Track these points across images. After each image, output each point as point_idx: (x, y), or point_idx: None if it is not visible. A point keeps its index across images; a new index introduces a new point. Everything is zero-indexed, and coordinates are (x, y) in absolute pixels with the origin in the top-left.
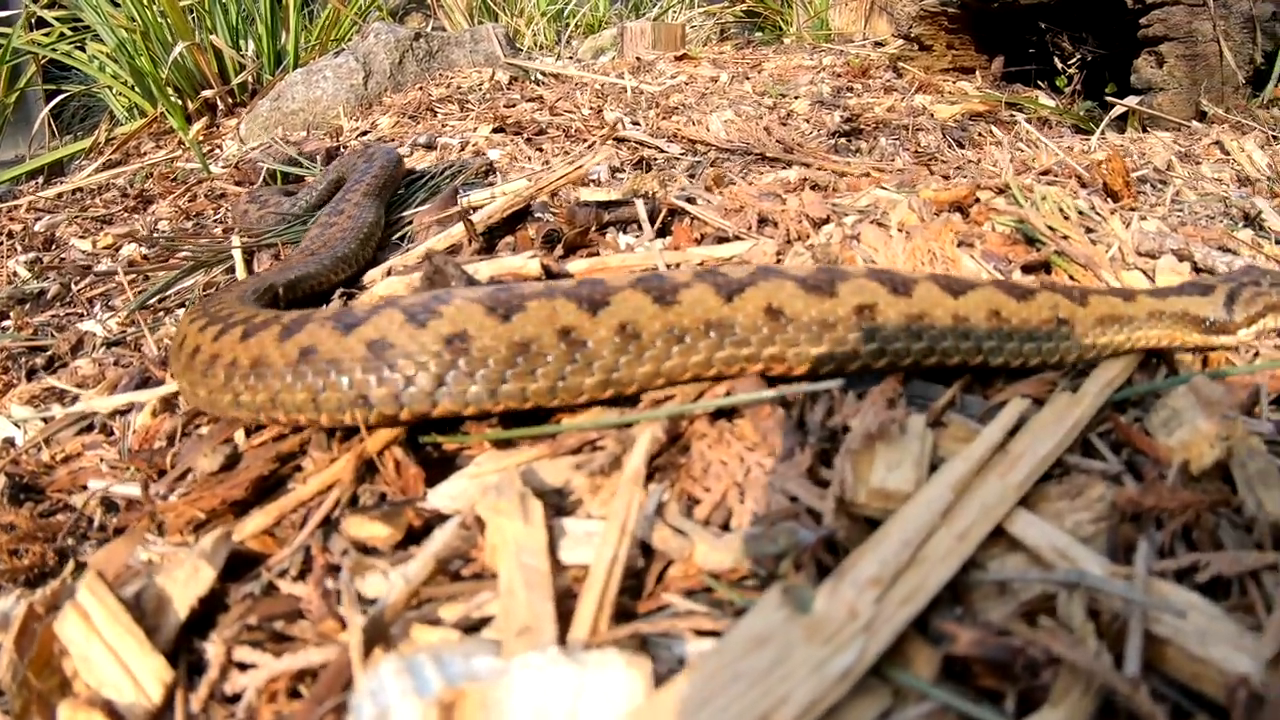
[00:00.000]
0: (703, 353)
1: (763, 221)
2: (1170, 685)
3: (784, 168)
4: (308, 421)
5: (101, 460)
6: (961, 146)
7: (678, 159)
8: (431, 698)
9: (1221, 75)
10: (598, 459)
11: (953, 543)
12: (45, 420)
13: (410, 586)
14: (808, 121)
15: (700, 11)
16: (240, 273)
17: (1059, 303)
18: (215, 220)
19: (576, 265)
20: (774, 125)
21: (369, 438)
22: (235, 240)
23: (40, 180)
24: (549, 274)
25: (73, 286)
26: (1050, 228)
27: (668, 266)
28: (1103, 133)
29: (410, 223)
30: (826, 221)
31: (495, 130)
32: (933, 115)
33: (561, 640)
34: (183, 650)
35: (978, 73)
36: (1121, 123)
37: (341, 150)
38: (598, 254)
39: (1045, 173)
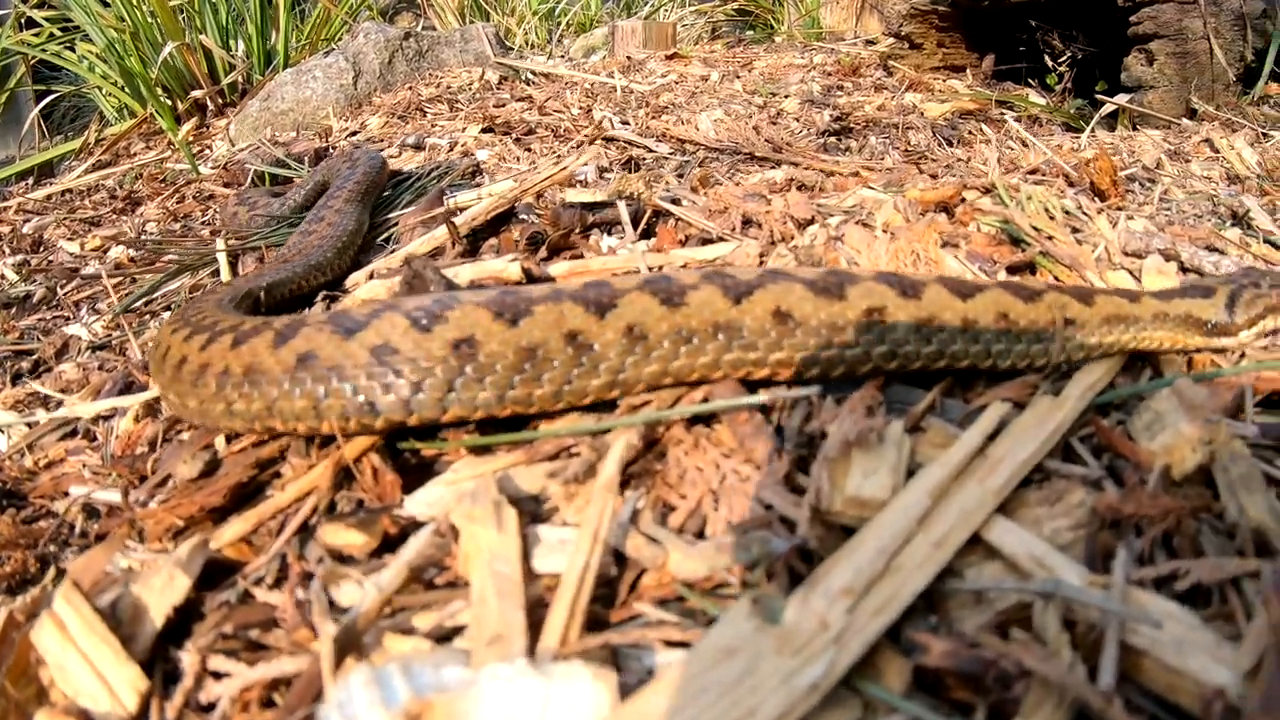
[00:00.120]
0: (710, 354)
1: (747, 222)
2: (1146, 697)
3: (772, 167)
4: (307, 430)
5: (84, 466)
6: (951, 145)
7: (666, 159)
8: (399, 709)
9: (1212, 73)
10: (572, 466)
11: (929, 551)
12: (29, 425)
13: (383, 595)
14: (798, 120)
15: (692, 10)
16: (225, 276)
17: (1066, 303)
18: (203, 222)
19: (558, 268)
20: (763, 124)
21: (346, 445)
22: (220, 243)
23: (30, 181)
24: (529, 277)
25: (59, 290)
26: (1035, 228)
27: (649, 269)
28: (1093, 131)
29: (396, 224)
30: (811, 222)
31: (484, 130)
32: (923, 114)
33: (532, 650)
34: (159, 659)
35: (968, 71)
36: (1112, 120)
37: (330, 151)
38: (582, 256)
39: (1033, 172)
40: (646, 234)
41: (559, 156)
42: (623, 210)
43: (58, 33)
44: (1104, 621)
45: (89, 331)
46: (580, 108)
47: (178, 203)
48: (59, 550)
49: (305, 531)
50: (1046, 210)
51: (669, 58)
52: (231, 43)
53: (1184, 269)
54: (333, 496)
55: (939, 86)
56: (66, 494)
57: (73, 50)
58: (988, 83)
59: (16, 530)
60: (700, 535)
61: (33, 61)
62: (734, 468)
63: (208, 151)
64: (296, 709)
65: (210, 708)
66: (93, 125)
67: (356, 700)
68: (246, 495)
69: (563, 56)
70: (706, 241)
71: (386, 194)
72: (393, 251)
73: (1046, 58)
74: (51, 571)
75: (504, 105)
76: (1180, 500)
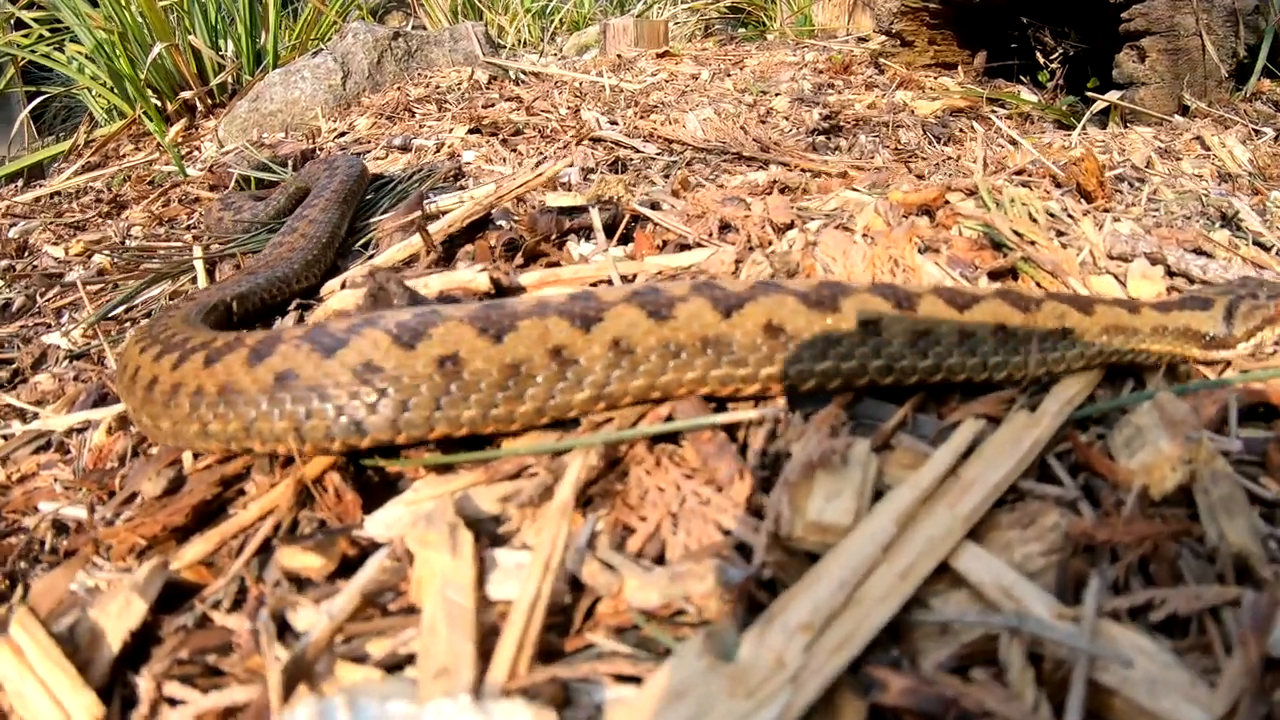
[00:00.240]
0: (699, 370)
1: (725, 227)
2: None
3: (759, 168)
4: (288, 451)
5: (56, 480)
6: (942, 143)
7: (653, 159)
8: None
9: (1204, 69)
10: (527, 490)
11: (893, 581)
12: (4, 438)
13: (334, 623)
14: (787, 119)
15: (684, 8)
16: (202, 283)
17: (1065, 312)
18: (187, 226)
19: (530, 277)
20: (751, 124)
21: (306, 464)
22: (197, 250)
23: (19, 184)
24: (499, 287)
25: (39, 298)
26: (1017, 232)
27: (623, 278)
28: (1084, 128)
29: (374, 230)
30: (790, 227)
31: (471, 131)
32: (914, 111)
33: (480, 682)
34: (116, 684)
35: (960, 68)
36: (1104, 117)
37: (317, 153)
38: (558, 264)
39: (1019, 172)
40: (625, 239)
41: (542, 158)
42: (595, 217)
43: (47, 34)
44: (1072, 658)
45: (68, 340)
46: (568, 108)
47: (163, 206)
48: (29, 567)
49: (267, 552)
50: (1030, 214)
51: (660, 56)
52: (221, 43)
53: (1171, 273)
54: (295, 516)
55: (930, 84)
56: (37, 509)
57: (62, 51)
58: (979, 80)
59: None
60: (659, 560)
61: (22, 63)
62: (695, 489)
63: (197, 153)
64: None
65: None
66: (82, 126)
67: None
68: (210, 514)
69: (555, 54)
70: (684, 247)
71: (369, 197)
72: (370, 258)
73: (1038, 54)
74: (20, 589)
75: (492, 105)
76: (1158, 524)
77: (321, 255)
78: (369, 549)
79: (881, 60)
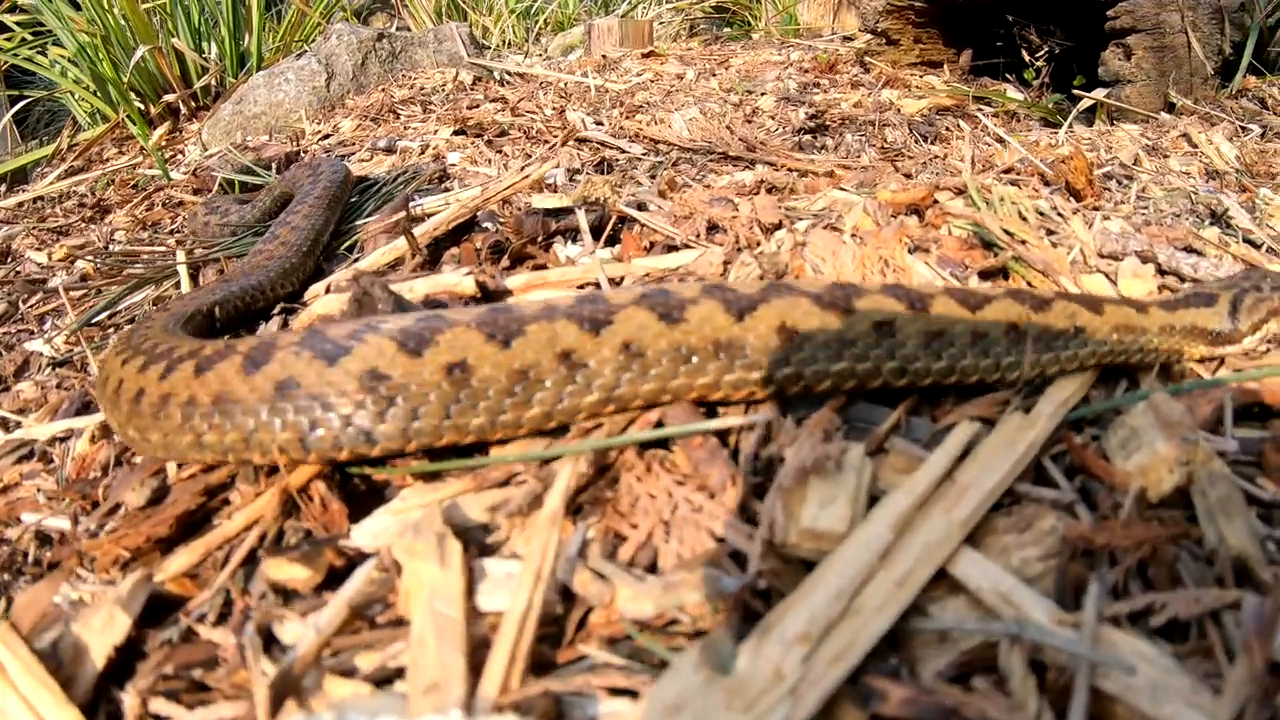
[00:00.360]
0: (711, 374)
1: (712, 228)
2: None
3: (746, 167)
4: (290, 462)
5: (39, 490)
6: (928, 141)
7: (639, 160)
8: None
9: (1190, 66)
10: (515, 499)
11: (891, 590)
12: None
13: (321, 637)
14: (773, 118)
15: (669, 7)
16: (185, 288)
17: (1075, 311)
18: (171, 230)
19: (517, 280)
20: (737, 123)
21: (290, 473)
22: (180, 255)
23: (2, 188)
24: (485, 291)
25: (21, 304)
26: (1007, 231)
27: (610, 280)
28: (1070, 126)
29: (360, 232)
30: (778, 227)
31: (456, 132)
32: (899, 110)
33: (471, 697)
34: (101, 700)
35: (945, 67)
36: (1090, 115)
37: (301, 155)
38: (544, 267)
39: (1008, 171)
40: (612, 241)
41: (528, 159)
42: (582, 219)
43: (29, 37)
44: (1073, 665)
45: (51, 347)
46: (554, 108)
47: (147, 210)
48: (12, 579)
49: (252, 563)
50: (1019, 212)
51: (645, 56)
52: (204, 45)
53: (1161, 271)
54: (280, 525)
55: (916, 83)
56: (20, 520)
57: (45, 55)
58: (965, 78)
59: None
60: (651, 569)
61: (4, 66)
62: (687, 496)
63: (180, 156)
64: None
65: None
66: (65, 130)
67: None
68: (194, 524)
69: (540, 55)
70: (671, 249)
71: (353, 199)
72: (354, 262)
73: (1024, 53)
74: (2, 603)
75: (477, 107)
76: (1156, 528)
77: (301, 263)
78: (356, 559)
79: (867, 59)
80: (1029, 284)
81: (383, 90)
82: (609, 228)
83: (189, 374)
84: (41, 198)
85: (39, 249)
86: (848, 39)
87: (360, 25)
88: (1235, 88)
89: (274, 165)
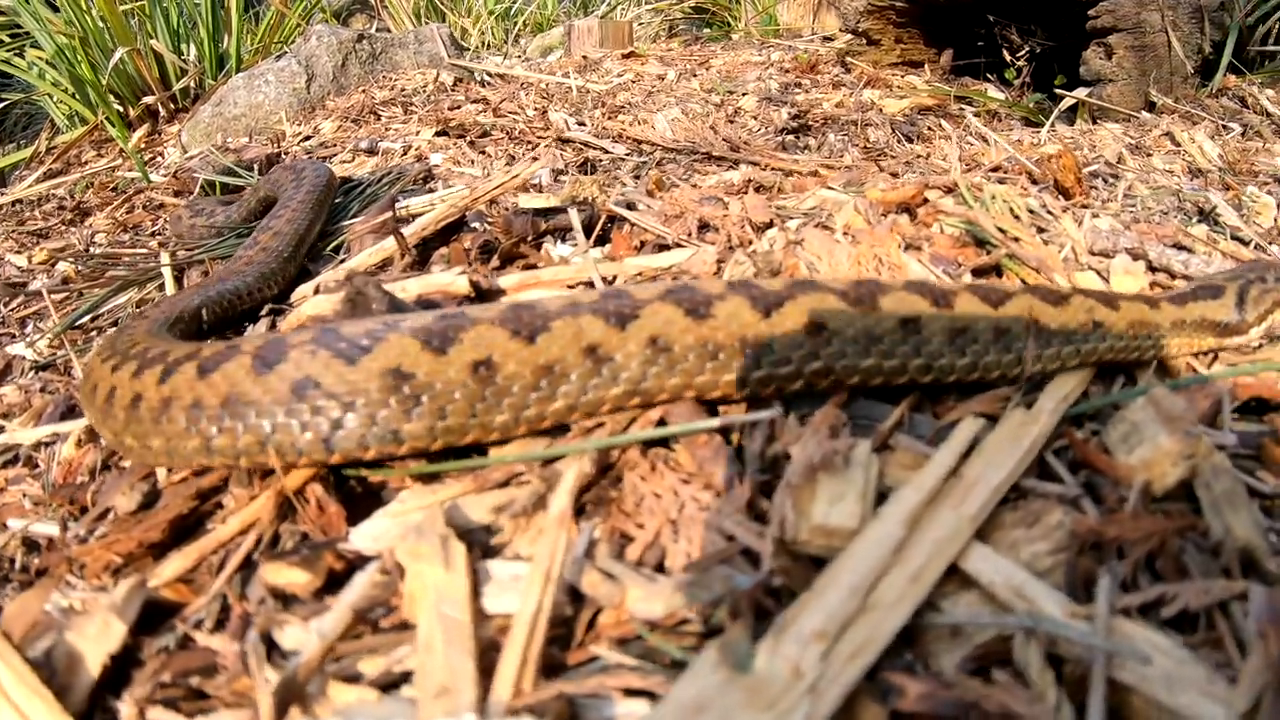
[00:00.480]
0: (735, 372)
1: (704, 227)
2: None
3: (730, 167)
4: (312, 463)
5: (25, 495)
6: (911, 141)
7: (623, 160)
8: None
9: (1170, 66)
10: (520, 499)
11: (905, 585)
12: None
13: (325, 642)
14: (755, 119)
15: (648, 8)
16: (170, 290)
17: (1093, 306)
18: (152, 233)
19: (509, 279)
20: (720, 123)
21: (286, 475)
22: (164, 257)
23: None
24: (479, 290)
25: (2, 308)
26: (1000, 229)
27: (604, 279)
28: (1052, 125)
29: (345, 233)
30: (770, 226)
31: (438, 133)
32: (881, 110)
33: (483, 701)
34: (97, 710)
35: (926, 66)
36: (1071, 115)
37: (282, 157)
38: (535, 266)
39: (995, 169)
40: (601, 240)
41: (513, 160)
42: (575, 218)
43: (7, 39)
44: (1089, 657)
45: (33, 351)
46: (536, 109)
47: (127, 213)
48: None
49: (249, 567)
50: (1011, 210)
51: (625, 57)
52: (183, 47)
53: (1152, 268)
54: (276, 529)
55: (897, 82)
56: (6, 526)
57: (22, 57)
58: (946, 78)
59: None
60: (660, 568)
61: None
62: (693, 494)
63: (160, 158)
64: None
65: None
66: (44, 133)
67: None
68: (187, 529)
69: (519, 57)
70: (663, 248)
71: (338, 201)
72: (341, 263)
73: (1005, 52)
74: None
75: (459, 107)
76: (1163, 521)
77: (281, 269)
78: (356, 563)
79: (848, 59)
80: (1023, 281)
81: (363, 91)
82: (598, 227)
83: (191, 376)
84: (20, 201)
85: (18, 252)
86: (828, 39)
87: (340, 26)
88: (1215, 87)
89: (255, 167)
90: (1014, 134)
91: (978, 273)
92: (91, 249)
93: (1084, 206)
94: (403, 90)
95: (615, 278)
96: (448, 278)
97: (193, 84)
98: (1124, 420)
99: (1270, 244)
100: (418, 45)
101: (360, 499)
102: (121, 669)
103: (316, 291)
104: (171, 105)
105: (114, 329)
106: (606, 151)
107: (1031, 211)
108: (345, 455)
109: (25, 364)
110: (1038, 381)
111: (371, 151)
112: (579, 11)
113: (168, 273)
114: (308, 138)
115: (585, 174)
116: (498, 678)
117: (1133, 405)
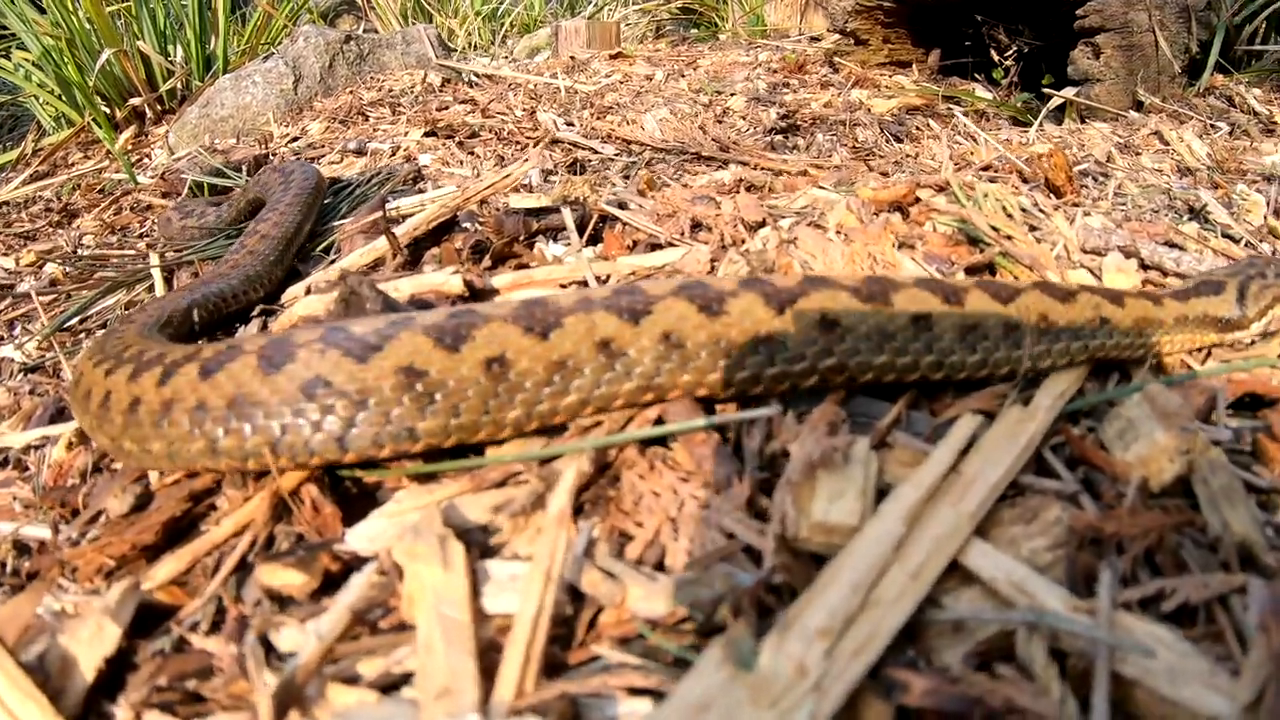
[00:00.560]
0: (749, 369)
1: (696, 226)
2: None
3: (720, 167)
4: (325, 463)
5: (15, 499)
6: (899, 141)
7: (612, 160)
8: None
9: (1158, 65)
10: (518, 498)
11: (906, 582)
12: None
13: (324, 644)
14: (744, 119)
15: (635, 9)
16: (159, 291)
17: (1099, 303)
18: (140, 234)
19: (502, 279)
20: (709, 123)
21: (280, 476)
22: (153, 258)
23: None
24: (472, 290)
25: None
26: (993, 227)
27: (597, 278)
28: (1040, 125)
29: (336, 233)
30: (762, 225)
31: (427, 134)
32: (870, 110)
33: (485, 701)
34: (92, 714)
35: (914, 66)
36: (1059, 114)
37: (270, 158)
38: (527, 265)
39: (986, 168)
40: (593, 240)
41: (502, 160)
42: (568, 216)
43: None
44: (1092, 651)
45: (22, 353)
46: (524, 110)
47: (115, 214)
48: None
49: (244, 569)
50: (1004, 209)
51: (613, 57)
52: (170, 48)
53: (1144, 266)
54: (271, 530)
55: (885, 82)
56: None
57: (8, 58)
58: (934, 78)
59: None
60: (660, 566)
61: None
62: (692, 492)
63: (146, 160)
64: None
65: None
66: (30, 135)
67: None
68: (180, 531)
69: (507, 57)
70: (655, 247)
71: (327, 201)
72: (332, 263)
73: (992, 52)
74: None
75: (447, 108)
76: (1161, 516)
77: (266, 272)
78: (352, 564)
79: (836, 59)
80: (1016, 279)
81: (351, 92)
82: (590, 226)
83: (194, 378)
84: (6, 203)
85: (6, 254)
86: (815, 39)
87: (327, 27)
88: (1203, 86)
89: (243, 168)
90: (1002, 133)
91: (971, 271)
92: (79, 251)
93: (1075, 205)
94: (390, 91)
95: (608, 277)
96: (441, 277)
97: (180, 85)
98: (1120, 417)
99: (1261, 241)
100: (405, 46)
101: (356, 500)
102: (116, 673)
103: (308, 292)
104: (158, 107)
105: (102, 332)
106: (595, 152)
107: (1024, 210)
108: (360, 454)
109: (14, 366)
110: (1034, 378)
111: (360, 152)
112: (566, 12)
113: (157, 274)
114: (295, 139)
115: (575, 174)
116: (500, 678)
117: (1129, 402)
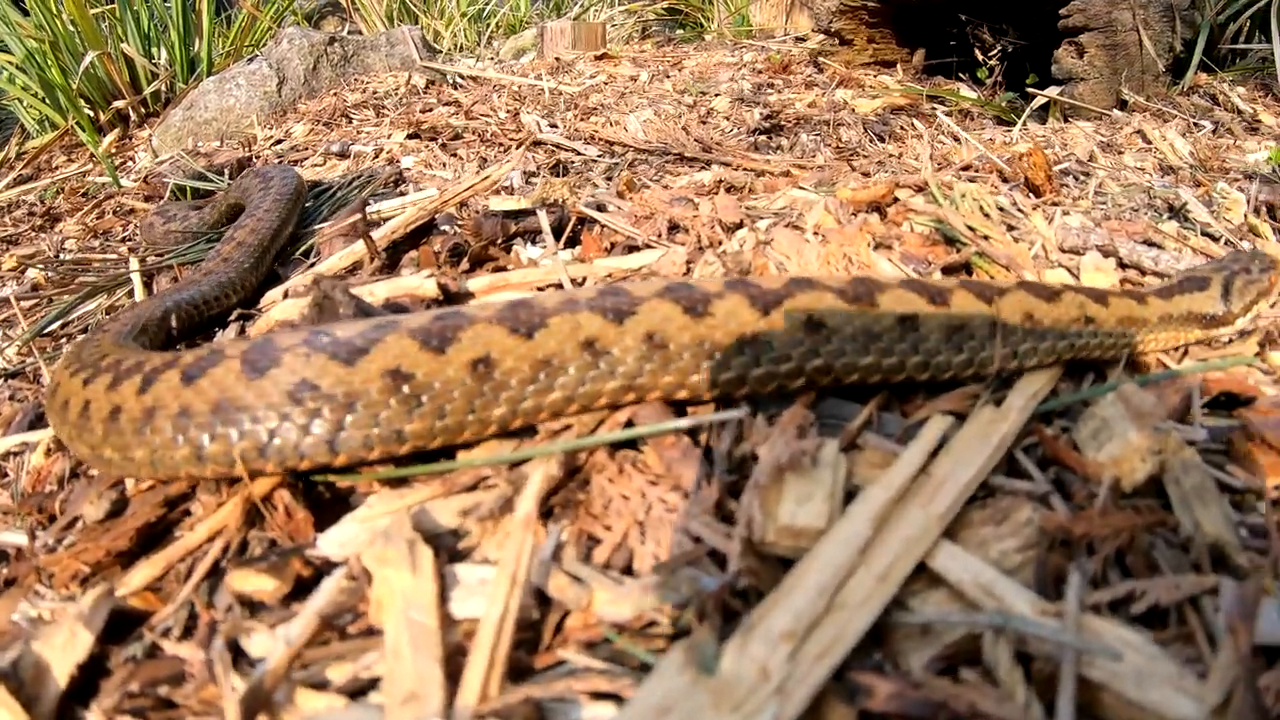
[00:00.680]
0: (735, 369)
1: (674, 228)
2: None
3: (702, 168)
4: (312, 466)
5: None
6: (883, 141)
7: (595, 161)
8: None
9: (1142, 64)
10: (486, 503)
11: (872, 584)
12: None
13: (292, 649)
14: (728, 119)
15: (621, 10)
16: (140, 295)
17: (1083, 301)
18: (123, 238)
19: (479, 282)
20: (693, 124)
21: (252, 482)
22: (134, 263)
23: None
24: (447, 293)
25: None
26: (970, 227)
27: (573, 281)
28: (1024, 124)
29: (316, 237)
30: (740, 226)
31: (410, 136)
32: (854, 110)
33: (449, 706)
34: None
35: (899, 66)
36: (1043, 113)
37: (254, 160)
38: (504, 269)
39: (966, 168)
40: (572, 242)
41: (485, 162)
42: (543, 219)
43: None
44: (1059, 654)
45: (2, 358)
46: (508, 111)
47: (97, 218)
48: None
49: (216, 575)
50: (981, 208)
51: (598, 58)
52: (154, 51)
53: (1123, 265)
54: (244, 536)
55: (870, 82)
56: None
57: None
58: (918, 78)
59: None
60: (627, 570)
61: None
62: (661, 496)
63: (131, 163)
64: None
65: None
66: (14, 138)
67: None
68: (155, 537)
69: (492, 59)
70: (633, 249)
71: (308, 204)
72: (311, 267)
73: (977, 52)
74: None
75: (430, 110)
76: (1132, 516)
77: (240, 279)
78: (324, 569)
79: (820, 59)
80: (992, 279)
81: (335, 94)
82: (569, 229)
83: (175, 384)
84: None
85: None
86: (800, 39)
87: (311, 29)
88: (1186, 84)
89: (226, 171)
90: (986, 133)
91: (948, 270)
92: (61, 255)
93: (1054, 204)
94: (374, 93)
95: (585, 279)
96: (416, 281)
97: (164, 88)
98: (1093, 417)
99: (1241, 239)
100: (389, 48)
101: (328, 505)
102: (90, 679)
103: (286, 296)
104: (142, 109)
105: (76, 341)
106: (578, 153)
107: (1001, 209)
108: (351, 457)
109: None
110: (1007, 379)
111: (343, 155)
112: (552, 13)
113: (137, 278)
114: (279, 141)
115: (557, 176)
116: (464, 683)
117: (1102, 402)
